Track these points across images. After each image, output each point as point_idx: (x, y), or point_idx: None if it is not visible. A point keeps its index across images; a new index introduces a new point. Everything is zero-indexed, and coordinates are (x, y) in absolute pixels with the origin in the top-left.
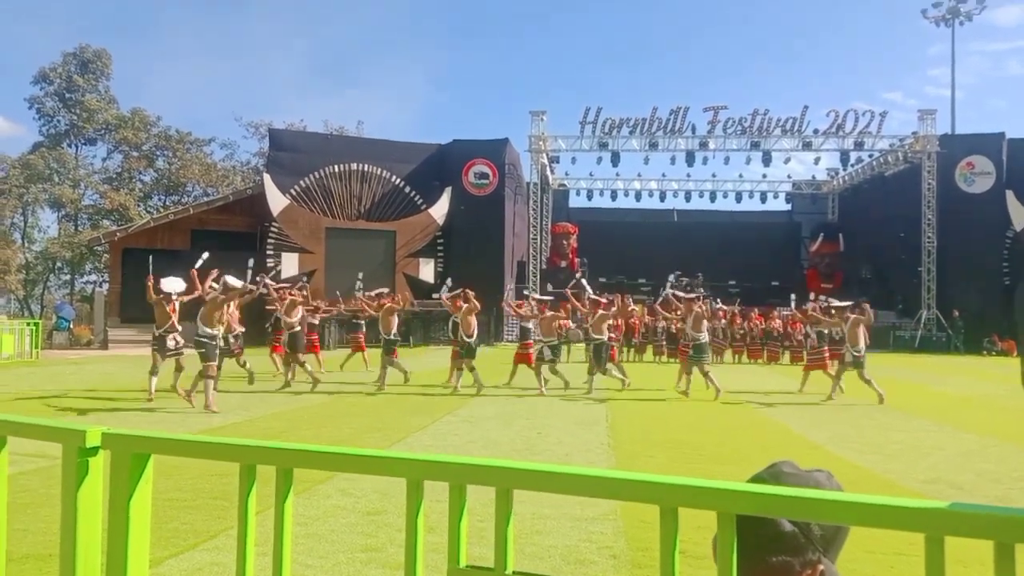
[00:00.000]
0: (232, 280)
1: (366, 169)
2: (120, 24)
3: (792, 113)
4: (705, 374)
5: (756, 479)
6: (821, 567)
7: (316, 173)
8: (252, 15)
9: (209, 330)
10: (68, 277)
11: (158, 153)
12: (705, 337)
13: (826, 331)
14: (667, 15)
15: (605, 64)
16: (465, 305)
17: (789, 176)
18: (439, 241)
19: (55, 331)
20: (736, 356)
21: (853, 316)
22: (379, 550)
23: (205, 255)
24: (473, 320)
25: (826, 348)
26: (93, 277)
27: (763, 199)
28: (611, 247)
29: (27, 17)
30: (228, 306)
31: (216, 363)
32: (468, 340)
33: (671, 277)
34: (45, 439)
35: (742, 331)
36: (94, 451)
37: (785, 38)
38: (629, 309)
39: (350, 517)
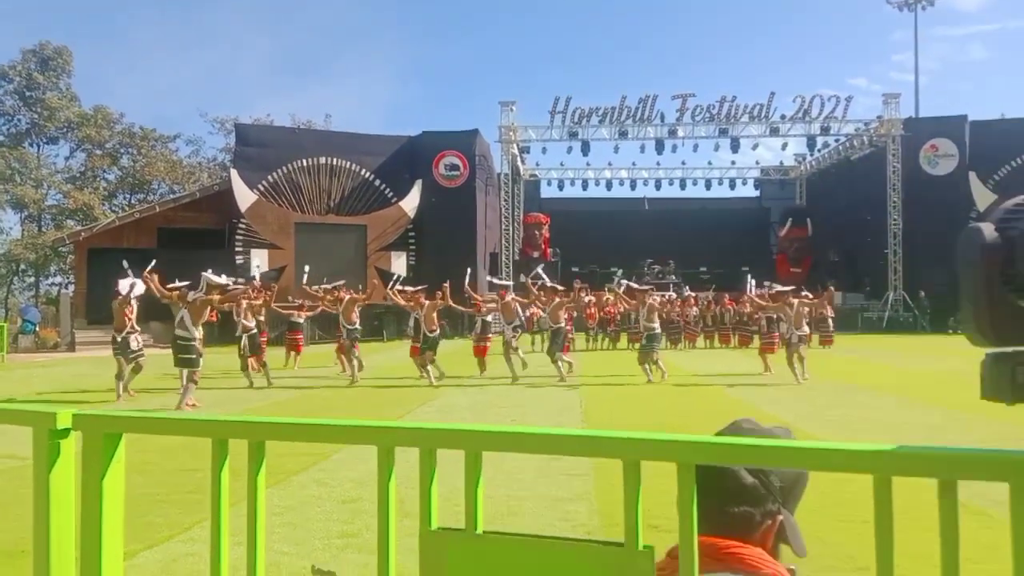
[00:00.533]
0: (213, 277)
1: (335, 163)
2: (81, 20)
3: (759, 100)
4: (655, 361)
5: (717, 435)
6: (780, 517)
7: (284, 168)
8: (216, 10)
9: (194, 332)
10: (33, 279)
11: (122, 151)
12: (658, 327)
13: (775, 316)
14: (634, 3)
15: (574, 54)
16: (428, 302)
17: (757, 162)
18: (411, 234)
19: (20, 334)
20: (708, 341)
21: (797, 300)
22: (355, 536)
23: (153, 262)
24: (435, 316)
25: (775, 333)
26: (58, 279)
27: (732, 185)
28: (583, 236)
29: None
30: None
31: (199, 367)
32: (430, 335)
33: (618, 271)
34: (14, 423)
35: (714, 316)
36: (65, 433)
37: (751, 25)
38: (604, 298)
39: (326, 505)
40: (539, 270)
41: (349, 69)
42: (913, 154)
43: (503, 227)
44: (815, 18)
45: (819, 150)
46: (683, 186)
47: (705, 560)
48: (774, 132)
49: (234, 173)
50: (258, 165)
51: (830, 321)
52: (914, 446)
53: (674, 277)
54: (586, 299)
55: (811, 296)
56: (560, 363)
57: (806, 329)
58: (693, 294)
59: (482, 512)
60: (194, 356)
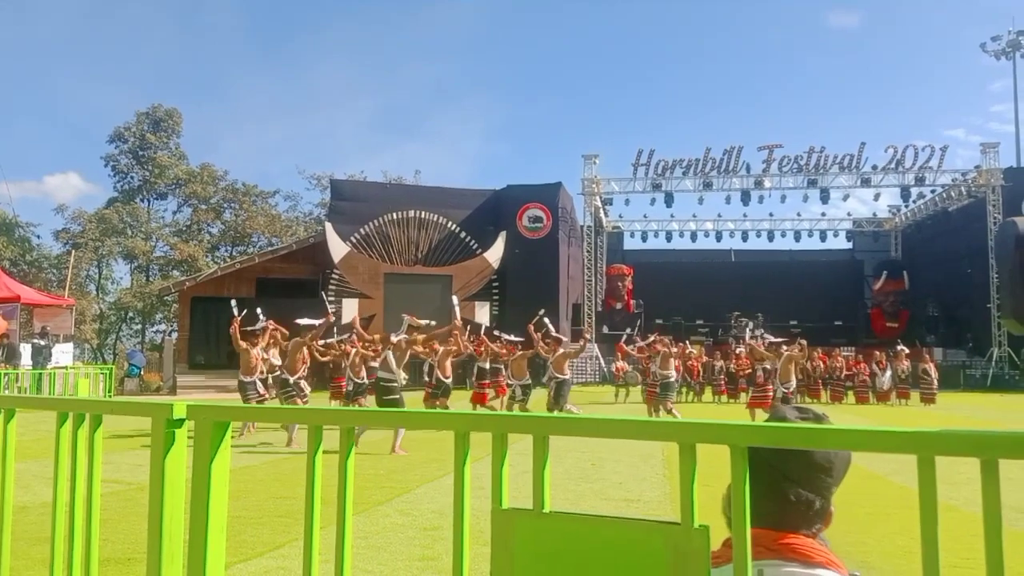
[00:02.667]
0: (307, 322)
1: (423, 216)
2: (191, 84)
3: (850, 150)
4: (668, 411)
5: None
6: (832, 509)
7: (375, 221)
8: (316, 74)
9: (399, 374)
10: (139, 326)
11: (225, 206)
12: (672, 376)
13: (769, 367)
14: (717, 56)
15: (657, 106)
16: (443, 348)
17: (849, 213)
18: (494, 284)
19: (127, 377)
20: (798, 396)
21: (787, 352)
22: (435, 559)
23: (233, 302)
24: (449, 363)
25: (771, 385)
26: (162, 326)
27: (823, 237)
28: (667, 288)
29: (104, 80)
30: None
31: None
32: (444, 381)
33: (747, 322)
34: (137, 415)
35: (804, 370)
36: (179, 423)
37: (839, 76)
38: (687, 351)
39: (408, 532)
40: (542, 316)
41: (439, 126)
42: (1015, 204)
43: (586, 278)
44: (908, 68)
45: (914, 201)
46: (771, 238)
47: (758, 549)
48: (865, 183)
49: (328, 226)
50: (351, 219)
51: (933, 378)
52: (956, 428)
53: (763, 331)
54: (672, 350)
55: (907, 351)
56: (573, 410)
57: (792, 383)
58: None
59: (549, 492)
60: (398, 398)
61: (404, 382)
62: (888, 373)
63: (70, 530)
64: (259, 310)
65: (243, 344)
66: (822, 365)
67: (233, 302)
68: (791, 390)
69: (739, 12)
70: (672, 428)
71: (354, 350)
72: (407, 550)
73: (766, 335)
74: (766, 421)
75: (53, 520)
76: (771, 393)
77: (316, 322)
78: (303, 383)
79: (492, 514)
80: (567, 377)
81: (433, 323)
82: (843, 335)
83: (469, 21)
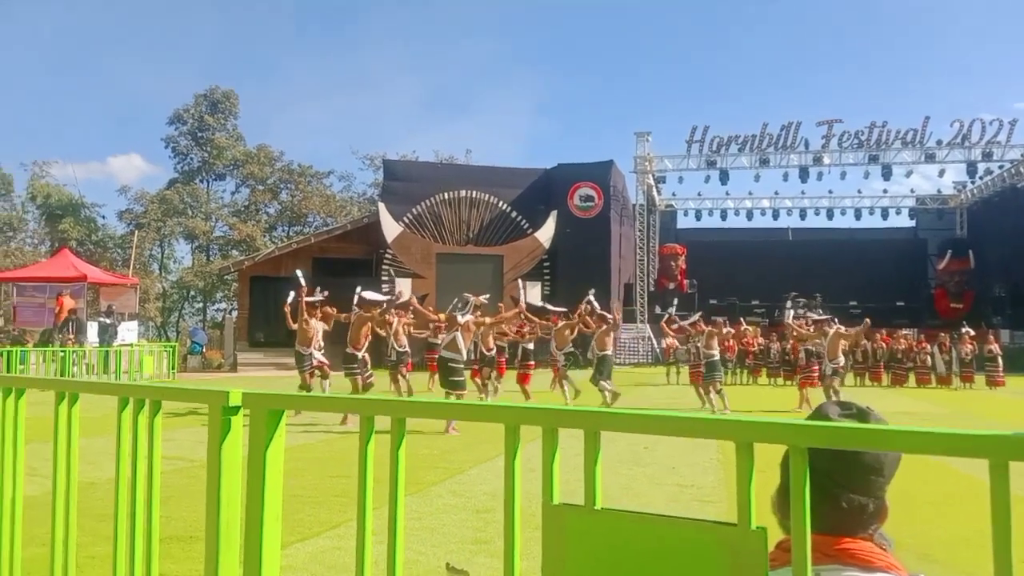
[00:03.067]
0: (371, 295)
1: (474, 196)
2: (247, 66)
3: (913, 125)
4: (718, 392)
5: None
6: (887, 506)
7: (427, 201)
8: (369, 55)
9: (465, 354)
10: (201, 304)
11: (282, 186)
12: (716, 355)
13: (813, 347)
14: (772, 30)
15: (711, 83)
16: (397, 319)
17: (912, 190)
18: (545, 264)
19: (189, 354)
20: (858, 378)
21: (832, 330)
22: (488, 542)
23: (299, 272)
24: (492, 338)
25: (815, 365)
26: (223, 304)
27: (884, 215)
28: (722, 268)
29: (162, 63)
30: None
31: (466, 390)
32: (488, 354)
33: (789, 298)
34: (194, 401)
35: (864, 352)
36: (235, 410)
37: (901, 49)
38: (742, 329)
39: (461, 514)
40: (590, 295)
41: (490, 105)
42: None
43: (638, 258)
44: (975, 38)
45: (980, 177)
46: (830, 216)
47: (815, 554)
48: (930, 159)
49: (382, 207)
50: (404, 199)
51: (999, 359)
52: None
53: (820, 311)
54: (726, 331)
55: (972, 333)
56: (606, 392)
57: (841, 360)
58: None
59: (600, 489)
60: (462, 379)
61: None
62: (952, 355)
63: (132, 509)
64: (298, 274)
65: (303, 316)
66: (884, 347)
67: (299, 272)
68: (840, 365)
69: None
70: (729, 426)
71: (396, 320)
72: (460, 532)
73: (809, 313)
74: (806, 419)
75: (116, 500)
76: (817, 372)
77: (380, 297)
78: (367, 358)
79: (543, 509)
80: (608, 352)
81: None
82: (906, 316)
83: None
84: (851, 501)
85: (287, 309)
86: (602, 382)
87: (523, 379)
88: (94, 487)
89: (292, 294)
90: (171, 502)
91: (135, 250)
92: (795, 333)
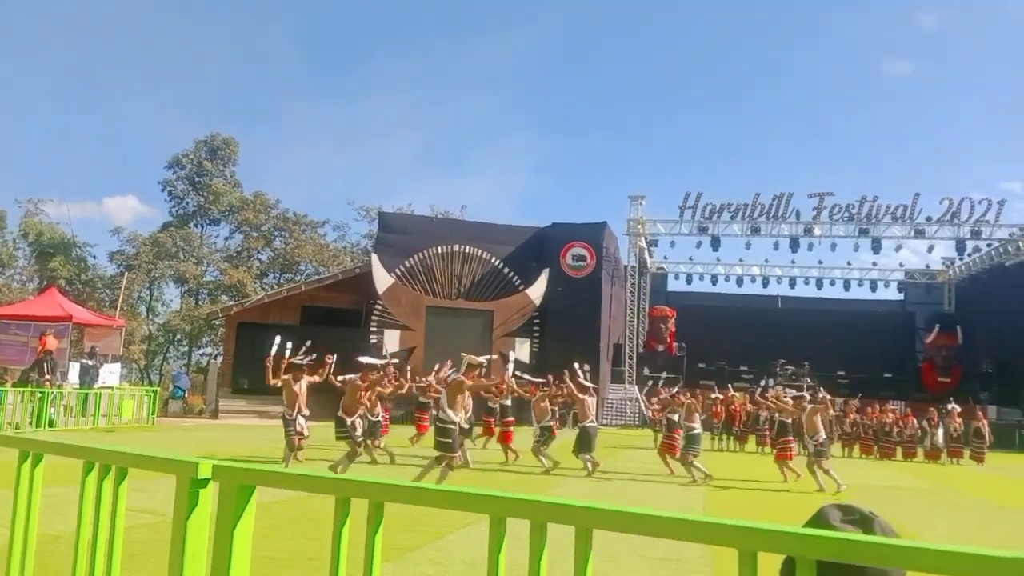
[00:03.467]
0: (368, 360)
1: (467, 251)
2: (245, 111)
3: (903, 200)
4: (691, 464)
5: (806, 526)
6: None
7: (420, 254)
8: (369, 107)
9: (451, 415)
10: (186, 348)
11: (276, 234)
12: (698, 428)
13: (789, 420)
14: (769, 102)
15: (705, 150)
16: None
17: (901, 264)
18: (535, 321)
19: (171, 399)
20: (846, 450)
21: (810, 405)
22: None
23: (277, 338)
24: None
25: (790, 438)
26: (208, 349)
27: (873, 287)
28: (711, 333)
29: (163, 105)
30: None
31: (456, 453)
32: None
33: (650, 383)
34: (162, 471)
35: (853, 423)
36: (205, 483)
37: (891, 126)
38: (730, 396)
39: None
40: (578, 368)
41: (487, 162)
42: None
43: (628, 319)
44: (964, 118)
45: (969, 254)
46: (819, 285)
47: None
48: (919, 234)
49: (374, 257)
50: (397, 251)
51: (986, 436)
52: None
53: (808, 380)
54: (714, 396)
55: (959, 409)
56: (587, 463)
57: (822, 435)
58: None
59: None
60: (451, 441)
61: (465, 423)
62: (940, 430)
63: (92, 556)
64: (276, 340)
65: (284, 378)
66: (875, 420)
67: (278, 337)
68: (820, 442)
69: (792, 57)
70: (732, 533)
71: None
72: None
73: (787, 389)
74: (806, 523)
75: (74, 566)
76: (792, 444)
77: (378, 361)
78: (358, 423)
79: None
80: (588, 423)
81: (492, 359)
82: (893, 388)
83: (518, 57)
84: None
85: (268, 363)
86: (583, 455)
87: (505, 438)
88: (59, 541)
89: (276, 346)
90: (136, 560)
91: (123, 291)
92: (772, 405)
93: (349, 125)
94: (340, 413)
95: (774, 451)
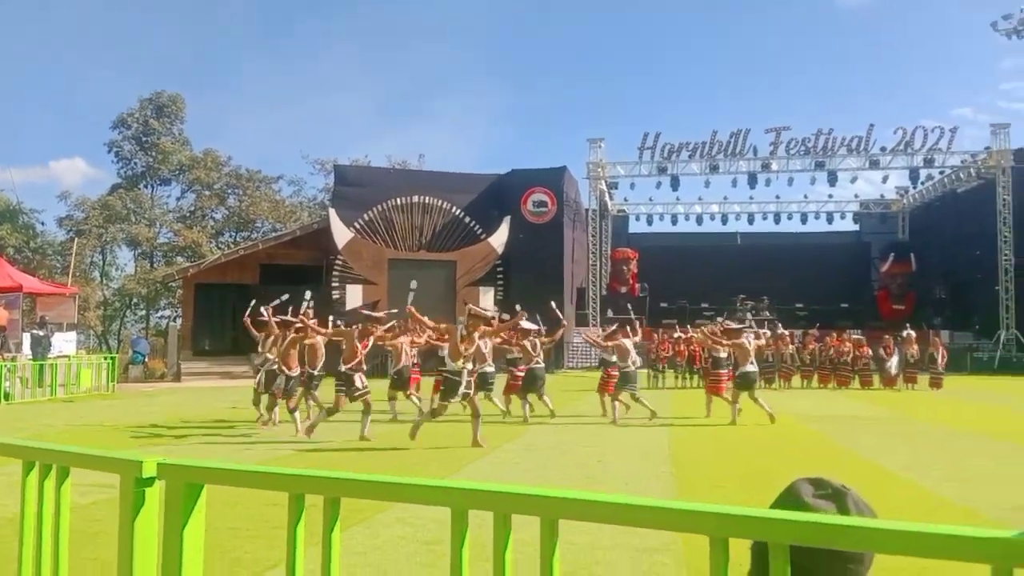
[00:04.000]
0: (370, 313)
1: (427, 201)
2: (193, 69)
3: (858, 132)
4: (631, 398)
5: (776, 504)
6: None
7: (379, 206)
8: (320, 58)
9: (449, 364)
10: (143, 312)
11: (229, 191)
12: (631, 367)
13: (724, 354)
14: (723, 38)
15: (663, 91)
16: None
17: (856, 196)
18: (499, 270)
19: (131, 365)
20: (805, 381)
21: (744, 338)
22: None
23: (285, 296)
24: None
25: (723, 372)
26: (167, 312)
27: (830, 219)
28: (673, 272)
29: (107, 66)
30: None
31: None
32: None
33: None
34: (104, 470)
35: (812, 354)
36: (150, 481)
37: (845, 57)
38: (690, 336)
39: (409, 547)
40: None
41: (444, 110)
42: None
43: (591, 262)
44: (915, 48)
45: (922, 183)
46: (777, 220)
47: None
48: (874, 165)
49: (332, 212)
50: (355, 204)
51: (938, 363)
52: None
53: (768, 314)
54: (676, 336)
55: (915, 335)
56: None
57: (750, 367)
58: (787, 332)
59: None
60: (448, 390)
61: (469, 375)
62: (896, 357)
63: (38, 563)
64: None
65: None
66: (832, 350)
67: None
68: (746, 372)
69: None
70: (704, 519)
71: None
72: (408, 569)
73: (727, 322)
74: (778, 498)
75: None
76: (724, 378)
77: (378, 313)
78: (357, 377)
79: None
80: (536, 366)
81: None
82: (850, 318)
83: (474, 3)
84: None
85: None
86: (534, 396)
87: (513, 389)
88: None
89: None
90: (98, 539)
91: (74, 258)
92: (707, 340)
93: (300, 78)
94: (343, 367)
95: (704, 384)
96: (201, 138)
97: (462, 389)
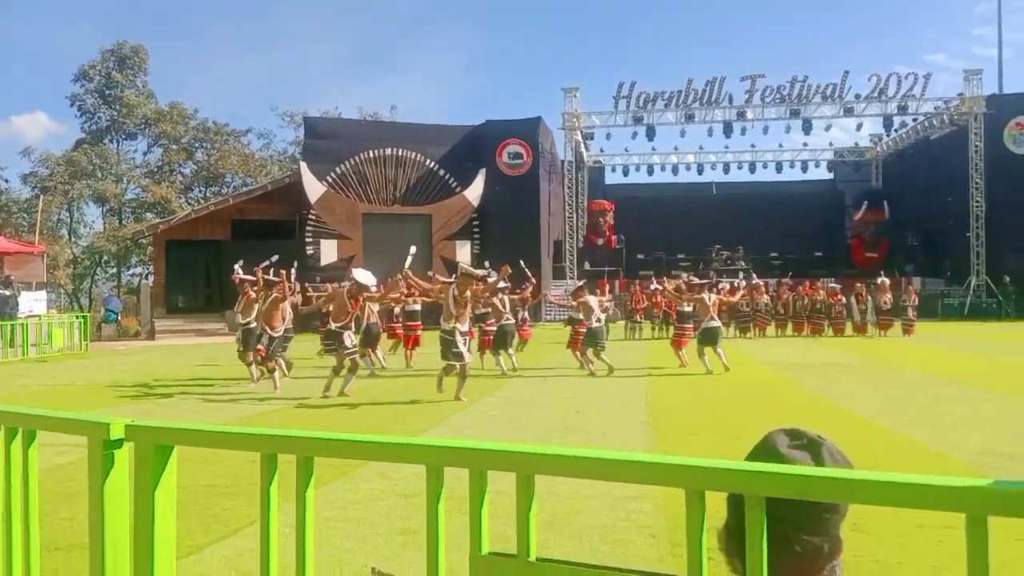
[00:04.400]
0: (365, 275)
1: (400, 154)
2: (157, 19)
3: (832, 79)
4: (594, 354)
5: (751, 456)
6: (842, 537)
7: (352, 159)
8: (287, 6)
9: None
10: (114, 270)
11: (197, 145)
12: (596, 323)
13: (689, 307)
14: None
15: (639, 39)
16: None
17: (831, 144)
18: (475, 223)
19: (104, 323)
20: (779, 330)
21: (702, 295)
22: (416, 532)
23: (275, 257)
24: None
25: (688, 325)
26: (138, 269)
27: (804, 168)
28: (649, 223)
29: (67, 16)
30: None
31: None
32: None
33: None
34: (71, 432)
35: (785, 304)
36: (118, 443)
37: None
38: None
39: (389, 500)
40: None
41: (414, 60)
42: (997, 132)
43: (567, 214)
44: None
45: (896, 130)
46: (752, 169)
47: None
48: (848, 112)
49: (303, 166)
50: (326, 157)
51: (911, 310)
52: (1013, 481)
53: (743, 263)
54: (653, 287)
55: (888, 282)
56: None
57: (715, 323)
58: (762, 281)
59: (535, 538)
60: (459, 351)
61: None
62: (869, 304)
63: (8, 527)
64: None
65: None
66: (805, 298)
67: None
68: (711, 327)
69: None
70: (679, 472)
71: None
72: (387, 522)
73: (692, 277)
74: (753, 449)
75: None
76: (689, 331)
77: (371, 282)
78: (346, 335)
79: (470, 561)
80: (505, 322)
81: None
82: (824, 266)
83: None
84: (805, 544)
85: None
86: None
87: (409, 341)
88: None
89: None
90: (75, 499)
91: (40, 215)
92: (669, 293)
93: (267, 28)
94: (332, 325)
95: (670, 337)
96: (166, 91)
97: (455, 348)
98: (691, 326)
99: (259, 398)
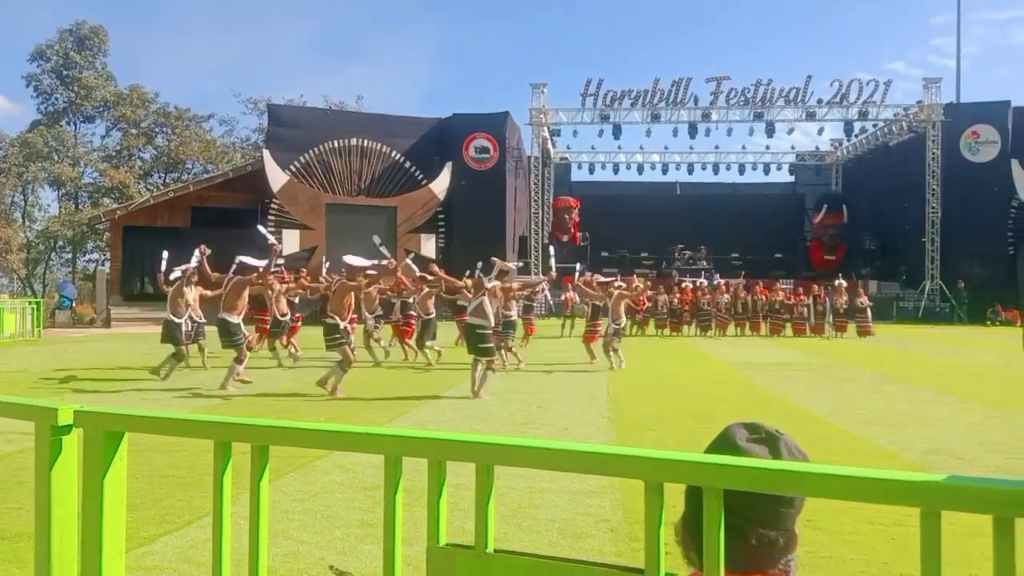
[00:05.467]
0: (355, 260)
1: (366, 144)
2: (118, 1)
3: (796, 83)
4: (509, 349)
5: (710, 449)
6: (797, 532)
7: (316, 149)
8: None
9: (342, 322)
10: (70, 256)
11: (157, 130)
12: (514, 315)
13: (600, 304)
14: None
15: (606, 36)
16: (516, 287)
17: (792, 147)
18: (440, 216)
19: (58, 310)
20: (739, 329)
21: (617, 291)
22: (375, 525)
23: (207, 251)
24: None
25: (599, 321)
26: (95, 255)
27: (766, 170)
28: (614, 221)
29: None
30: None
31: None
32: (428, 317)
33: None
34: (17, 417)
35: (744, 304)
36: (67, 429)
37: (787, 9)
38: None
39: (348, 492)
40: (408, 258)
41: (383, 51)
42: (953, 140)
43: (532, 211)
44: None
45: (856, 135)
46: (716, 171)
47: None
48: (810, 117)
49: (266, 153)
50: (290, 146)
51: (868, 311)
52: (966, 477)
53: (705, 263)
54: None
55: (845, 285)
56: (429, 353)
57: (623, 320)
58: (723, 281)
59: (493, 529)
60: (491, 346)
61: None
62: (827, 305)
63: None
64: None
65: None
66: (763, 298)
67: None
68: (622, 326)
69: None
70: (638, 464)
71: (281, 286)
72: (346, 515)
73: (597, 275)
74: (712, 442)
75: None
76: (600, 329)
77: (366, 262)
78: (348, 328)
79: (428, 552)
80: (432, 315)
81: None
82: (783, 268)
83: None
84: (761, 537)
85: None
86: (428, 342)
87: (403, 335)
88: None
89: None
90: (24, 488)
91: None
92: (582, 290)
93: (232, 11)
94: (330, 319)
95: (584, 333)
96: (126, 73)
97: (487, 344)
98: (600, 323)
99: (217, 391)
